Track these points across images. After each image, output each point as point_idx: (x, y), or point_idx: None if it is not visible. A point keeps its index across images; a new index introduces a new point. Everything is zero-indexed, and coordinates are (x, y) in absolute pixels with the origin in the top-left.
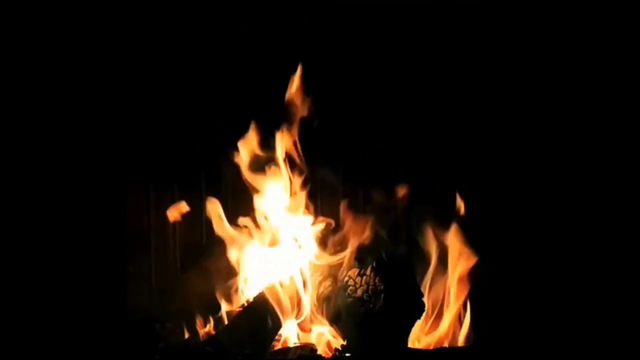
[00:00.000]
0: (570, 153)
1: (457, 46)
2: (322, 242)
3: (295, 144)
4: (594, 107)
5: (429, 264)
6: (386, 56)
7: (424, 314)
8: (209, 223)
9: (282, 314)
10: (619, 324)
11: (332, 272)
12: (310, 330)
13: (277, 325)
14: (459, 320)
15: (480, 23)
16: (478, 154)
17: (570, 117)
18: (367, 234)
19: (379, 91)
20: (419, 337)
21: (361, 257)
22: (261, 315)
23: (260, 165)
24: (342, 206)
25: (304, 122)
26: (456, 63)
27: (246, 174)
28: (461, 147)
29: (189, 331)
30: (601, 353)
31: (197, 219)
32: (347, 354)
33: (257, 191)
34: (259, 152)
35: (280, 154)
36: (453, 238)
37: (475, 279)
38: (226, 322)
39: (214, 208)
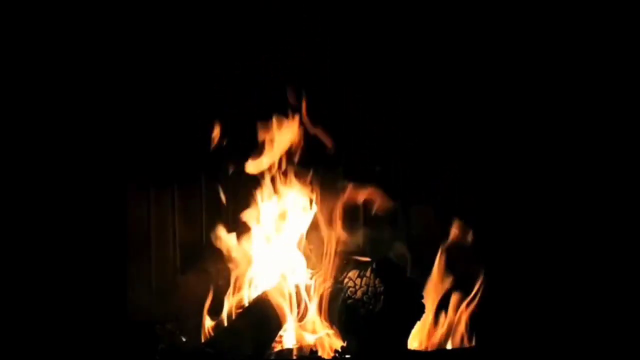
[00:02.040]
0: (569, 153)
1: (456, 47)
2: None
3: (298, 142)
4: (592, 108)
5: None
6: (386, 57)
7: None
8: (209, 224)
9: (283, 316)
10: (619, 325)
11: (333, 274)
12: (310, 332)
13: (278, 326)
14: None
15: (480, 24)
16: (477, 154)
17: (569, 117)
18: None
19: (378, 91)
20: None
21: (361, 258)
22: (261, 317)
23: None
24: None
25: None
26: (458, 63)
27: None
28: (460, 147)
29: (189, 332)
30: (601, 353)
31: (197, 220)
32: (347, 356)
33: (258, 191)
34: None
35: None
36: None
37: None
38: (226, 323)
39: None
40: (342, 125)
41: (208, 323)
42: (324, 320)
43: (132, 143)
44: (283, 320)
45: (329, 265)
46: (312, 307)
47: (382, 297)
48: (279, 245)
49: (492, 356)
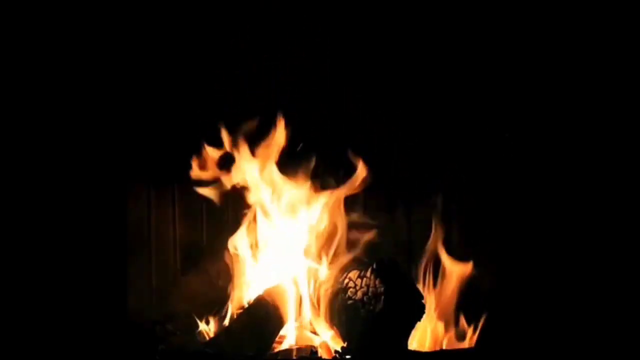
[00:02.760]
0: (569, 152)
1: (456, 46)
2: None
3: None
4: (592, 108)
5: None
6: (385, 56)
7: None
8: (209, 224)
9: (283, 316)
10: (620, 325)
11: (333, 274)
12: (310, 332)
13: (278, 327)
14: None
15: (480, 24)
16: (477, 154)
17: (569, 116)
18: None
19: (378, 91)
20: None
21: (361, 259)
22: (262, 317)
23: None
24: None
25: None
26: (457, 62)
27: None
28: (460, 147)
29: (189, 333)
30: (601, 354)
31: (197, 220)
32: (347, 356)
33: (258, 192)
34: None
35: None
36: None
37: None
38: (227, 323)
39: None
40: (342, 125)
41: (208, 323)
42: (324, 321)
43: (133, 143)
44: (283, 321)
45: (329, 265)
46: (313, 308)
47: (383, 297)
48: (280, 246)
49: (492, 356)
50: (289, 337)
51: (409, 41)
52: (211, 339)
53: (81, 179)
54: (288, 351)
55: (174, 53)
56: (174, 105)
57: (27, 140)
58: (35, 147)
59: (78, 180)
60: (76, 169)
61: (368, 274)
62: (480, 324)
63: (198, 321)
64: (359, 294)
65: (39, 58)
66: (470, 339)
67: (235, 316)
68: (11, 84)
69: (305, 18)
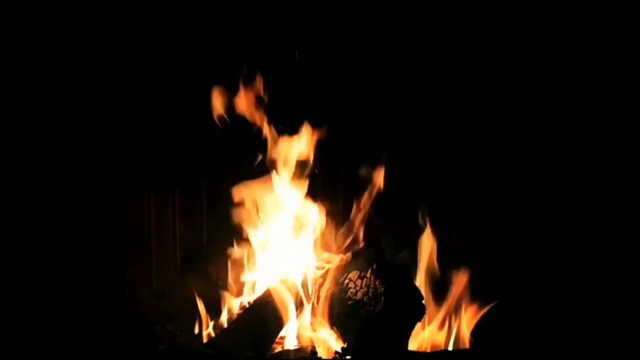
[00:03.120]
0: (570, 152)
1: (456, 47)
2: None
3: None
4: (592, 108)
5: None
6: (385, 56)
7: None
8: (209, 224)
9: (283, 316)
10: (619, 325)
11: (333, 275)
12: (310, 333)
13: (278, 327)
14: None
15: (480, 24)
16: (477, 154)
17: (570, 116)
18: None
19: (378, 91)
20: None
21: (362, 259)
22: (262, 318)
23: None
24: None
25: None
26: (457, 62)
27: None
28: (460, 147)
29: (189, 333)
30: (601, 353)
31: (198, 220)
32: (347, 356)
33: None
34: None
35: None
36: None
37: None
38: (227, 324)
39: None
40: (342, 125)
41: (208, 323)
42: (324, 321)
43: (133, 143)
44: (284, 321)
45: (329, 266)
46: (313, 308)
47: (383, 298)
48: (280, 246)
49: (492, 356)
50: (289, 338)
51: (409, 41)
52: (211, 339)
53: (81, 179)
54: (288, 352)
55: (174, 54)
56: (174, 105)
57: (28, 142)
58: (35, 148)
59: (78, 181)
60: (76, 170)
61: (368, 274)
62: (479, 324)
63: (198, 321)
64: (359, 294)
65: (39, 59)
66: (469, 339)
67: (236, 316)
68: (11, 86)
69: (305, 18)
